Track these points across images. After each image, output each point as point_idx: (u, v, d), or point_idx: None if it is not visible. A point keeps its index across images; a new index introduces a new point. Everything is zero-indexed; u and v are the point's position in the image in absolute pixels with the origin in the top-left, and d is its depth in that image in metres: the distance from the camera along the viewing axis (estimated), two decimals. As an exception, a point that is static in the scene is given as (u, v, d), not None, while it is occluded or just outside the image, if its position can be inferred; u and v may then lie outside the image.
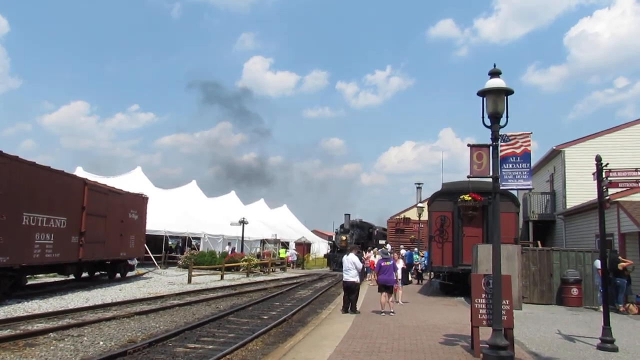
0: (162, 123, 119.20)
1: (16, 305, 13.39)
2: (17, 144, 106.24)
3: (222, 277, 25.76)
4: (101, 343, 9.36)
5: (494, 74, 8.00)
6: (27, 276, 16.50)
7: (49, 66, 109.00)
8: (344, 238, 35.86)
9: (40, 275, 19.99)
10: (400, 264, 14.70)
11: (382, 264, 13.27)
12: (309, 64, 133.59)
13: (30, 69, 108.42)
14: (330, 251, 40.38)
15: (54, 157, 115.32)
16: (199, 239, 34.96)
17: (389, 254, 14.32)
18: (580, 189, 21.50)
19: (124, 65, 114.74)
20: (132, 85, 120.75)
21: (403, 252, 25.11)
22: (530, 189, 9.38)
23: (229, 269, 28.04)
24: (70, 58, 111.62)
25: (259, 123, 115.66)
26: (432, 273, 22.91)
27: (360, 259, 15.21)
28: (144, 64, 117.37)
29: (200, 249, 33.56)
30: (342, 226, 37.70)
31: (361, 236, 37.93)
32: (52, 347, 8.81)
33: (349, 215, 37.86)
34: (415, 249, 28.27)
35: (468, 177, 8.66)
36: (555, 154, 25.04)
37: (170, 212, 34.21)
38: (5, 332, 9.76)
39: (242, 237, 35.98)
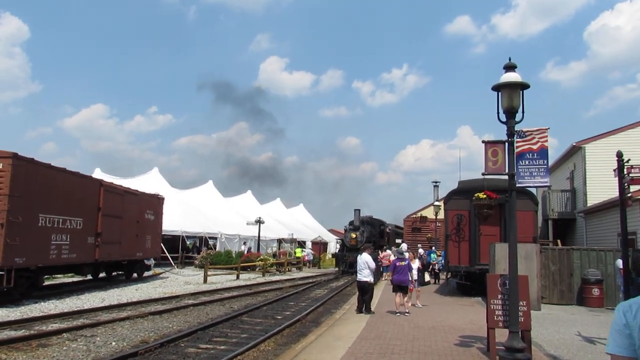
0: (179, 124, 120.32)
1: (33, 306, 13.51)
2: (38, 147, 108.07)
3: (238, 277, 25.78)
4: (113, 343, 9.36)
5: (509, 67, 7.76)
6: (45, 277, 16.69)
7: (69, 70, 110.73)
8: (353, 236, 32.54)
9: (58, 276, 20.22)
10: (416, 264, 14.34)
11: (397, 263, 13.09)
12: (324, 63, 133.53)
13: (50, 73, 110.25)
14: (340, 250, 36.49)
15: (74, 160, 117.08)
16: (215, 238, 35.09)
17: (404, 253, 14.08)
18: (601, 186, 20.98)
19: (142, 68, 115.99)
20: (150, 88, 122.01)
21: (421, 251, 24.78)
22: (547, 186, 9.12)
23: (245, 269, 28.07)
24: (89, 61, 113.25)
25: (274, 123, 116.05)
26: (449, 273, 22.60)
27: (375, 258, 15.03)
28: (162, 66, 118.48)
29: (217, 249, 33.70)
30: (351, 223, 34.02)
31: (372, 234, 34.50)
32: (64, 348, 8.83)
33: (359, 210, 33.96)
34: (432, 248, 27.95)
35: (483, 174, 8.42)
36: (575, 151, 24.51)
37: (187, 212, 34.39)
38: (20, 333, 9.83)
39: (259, 236, 36.01)
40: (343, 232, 36.21)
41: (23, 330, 10.15)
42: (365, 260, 13.07)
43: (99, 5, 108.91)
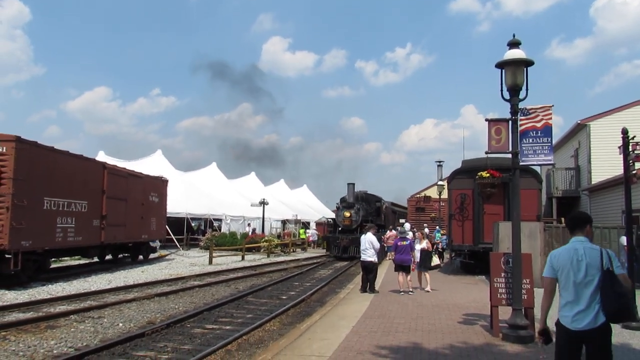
0: (183, 106, 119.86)
1: (40, 288, 13.67)
2: (42, 131, 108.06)
3: (242, 258, 25.96)
4: (120, 324, 9.47)
5: (513, 44, 7.66)
6: (52, 259, 16.85)
7: (71, 53, 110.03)
8: (347, 215, 28.02)
9: (65, 259, 20.39)
10: (423, 244, 13.94)
11: (399, 243, 13.13)
12: (328, 43, 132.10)
13: (53, 56, 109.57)
14: (330, 232, 30.92)
15: (78, 143, 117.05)
16: (220, 220, 35.26)
17: (407, 233, 14.06)
18: (606, 164, 20.87)
19: (145, 50, 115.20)
20: (153, 70, 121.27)
21: (427, 230, 24.54)
22: (551, 164, 9.04)
23: (249, 250, 28.26)
24: (91, 44, 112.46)
25: (276, 104, 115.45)
26: (452, 252, 22.66)
27: (379, 239, 15.02)
28: (164, 47, 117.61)
29: (222, 230, 33.87)
30: (343, 200, 29.36)
31: (368, 212, 30.09)
32: (72, 329, 8.95)
33: (353, 185, 29.16)
34: (437, 228, 27.99)
35: (486, 153, 8.38)
36: (580, 128, 24.33)
37: (191, 194, 34.50)
38: (28, 315, 9.96)
39: (263, 217, 36.13)
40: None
41: (31, 313, 10.28)
42: (369, 240, 13.11)
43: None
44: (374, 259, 13.14)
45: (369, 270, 13.15)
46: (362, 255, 13.30)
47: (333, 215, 32.00)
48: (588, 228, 4.22)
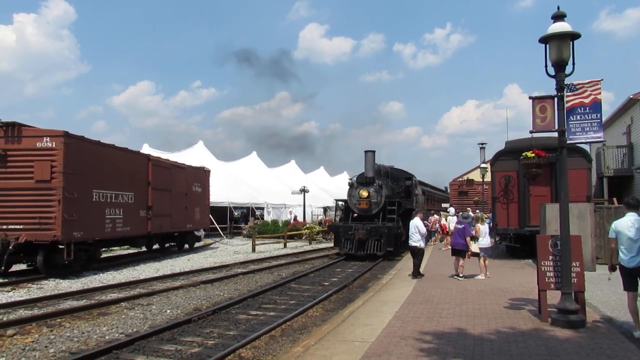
0: (223, 97, 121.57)
1: (92, 277, 14.23)
2: (90, 126, 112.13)
3: (285, 245, 26.23)
4: (168, 311, 9.74)
5: (558, 17, 7.30)
6: (102, 249, 17.50)
7: (115, 49, 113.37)
8: (364, 194, 20.41)
9: (114, 248, 21.15)
10: (483, 228, 12.85)
11: (455, 226, 13.17)
12: (364, 27, 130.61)
13: (98, 53, 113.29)
14: (342, 219, 22.16)
15: (124, 137, 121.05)
16: (262, 208, 35.69)
17: (467, 217, 14.11)
18: (661, 141, 19.81)
19: (185, 43, 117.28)
20: (193, 63, 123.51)
21: (471, 214, 23.37)
22: (601, 142, 8.58)
23: (291, 237, 28.50)
24: (133, 40, 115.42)
25: (312, 91, 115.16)
26: (497, 235, 22.11)
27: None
28: (203, 40, 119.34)
29: (265, 218, 34.28)
30: (361, 175, 21.38)
31: (395, 191, 22.62)
32: (122, 316, 9.27)
33: (373, 153, 21.44)
34: (477, 211, 27.35)
35: (530, 132, 8.06)
36: (632, 104, 23.12)
37: (233, 183, 35.03)
38: (81, 302, 10.37)
39: (304, 205, 36.33)
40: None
41: (84, 300, 10.71)
42: (416, 224, 13.19)
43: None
44: (419, 244, 13.17)
45: (415, 255, 13.20)
46: (409, 240, 13.39)
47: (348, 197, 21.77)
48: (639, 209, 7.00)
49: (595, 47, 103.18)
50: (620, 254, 6.91)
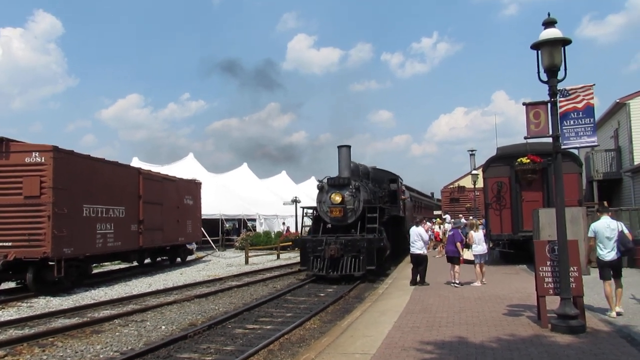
0: (212, 109, 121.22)
1: (84, 294, 13.98)
2: (79, 139, 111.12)
3: (278, 257, 26.07)
4: (163, 327, 9.58)
5: (549, 23, 7.35)
6: (93, 265, 17.23)
7: (103, 62, 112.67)
8: (338, 199, 16.43)
9: (105, 264, 20.86)
10: (477, 234, 12.76)
11: (448, 234, 13.19)
12: (352, 37, 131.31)
13: (85, 67, 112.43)
14: (310, 231, 17.97)
15: (113, 150, 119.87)
16: (254, 220, 35.47)
17: (457, 223, 14.21)
18: (648, 143, 20.04)
19: (173, 56, 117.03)
20: (181, 75, 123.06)
21: (464, 220, 23.26)
22: (595, 146, 8.63)
23: (284, 248, 28.32)
24: (121, 53, 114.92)
25: (301, 101, 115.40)
26: (491, 242, 22.13)
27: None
28: (191, 52, 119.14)
29: (257, 230, 34.07)
30: (333, 177, 17.18)
31: (376, 195, 18.80)
32: (117, 333, 9.09)
33: (349, 149, 17.55)
34: (470, 217, 27.42)
35: (525, 138, 8.08)
36: (619, 108, 23.42)
37: (224, 195, 34.82)
38: (74, 320, 10.17)
39: (296, 215, 36.13)
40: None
41: (77, 318, 10.50)
42: (418, 232, 13.17)
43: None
44: (423, 251, 13.13)
45: (419, 263, 13.14)
46: (411, 247, 13.34)
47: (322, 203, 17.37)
48: (611, 213, 8.45)
49: (579, 53, 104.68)
50: (598, 249, 8.39)
